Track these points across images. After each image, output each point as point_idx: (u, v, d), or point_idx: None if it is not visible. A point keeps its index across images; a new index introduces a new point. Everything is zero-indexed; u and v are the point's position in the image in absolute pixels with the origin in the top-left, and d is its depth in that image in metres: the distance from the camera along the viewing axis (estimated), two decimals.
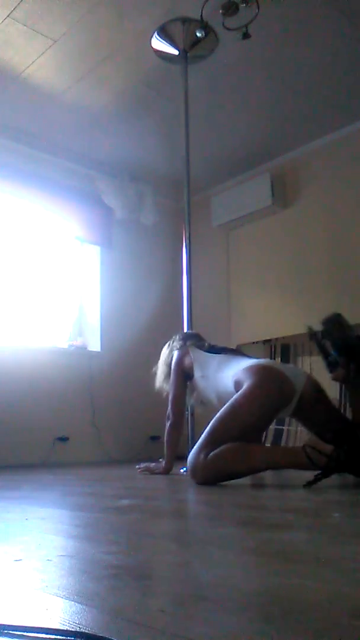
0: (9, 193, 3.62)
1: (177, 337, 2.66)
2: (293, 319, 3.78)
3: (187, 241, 2.98)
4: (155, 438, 4.08)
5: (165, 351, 2.66)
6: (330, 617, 0.51)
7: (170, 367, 2.52)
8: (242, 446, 1.88)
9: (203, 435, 1.95)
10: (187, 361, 2.43)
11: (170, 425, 2.49)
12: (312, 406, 2.11)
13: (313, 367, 3.40)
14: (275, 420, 3.24)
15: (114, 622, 0.50)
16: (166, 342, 2.70)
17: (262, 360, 2.23)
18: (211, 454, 1.88)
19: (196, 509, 1.42)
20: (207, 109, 3.41)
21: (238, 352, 2.51)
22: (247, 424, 1.93)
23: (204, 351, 2.40)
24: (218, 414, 1.99)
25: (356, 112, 3.51)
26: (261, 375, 2.01)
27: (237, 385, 2.06)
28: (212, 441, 1.91)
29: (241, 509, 1.35)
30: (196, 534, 1.01)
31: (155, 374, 2.65)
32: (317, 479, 1.68)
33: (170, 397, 2.49)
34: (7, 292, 3.71)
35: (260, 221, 4.08)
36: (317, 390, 2.13)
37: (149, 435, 4.06)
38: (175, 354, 2.50)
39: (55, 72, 3.06)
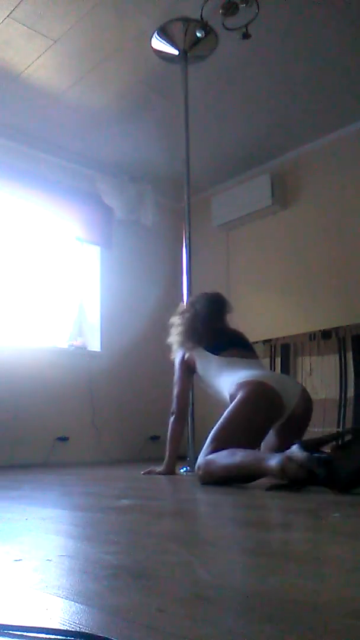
0: (9, 193, 3.62)
1: (189, 312, 2.51)
2: (293, 319, 3.78)
3: (187, 241, 2.98)
4: (155, 438, 4.08)
5: (176, 321, 2.53)
6: (330, 617, 0.51)
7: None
8: (232, 451, 1.90)
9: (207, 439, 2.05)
10: (190, 358, 2.42)
11: (174, 419, 2.48)
12: (297, 423, 2.18)
13: (313, 367, 3.40)
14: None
15: (114, 622, 0.50)
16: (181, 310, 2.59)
17: (258, 373, 2.17)
18: (208, 457, 1.94)
19: (196, 509, 1.42)
20: (207, 109, 3.41)
21: (244, 348, 2.41)
22: (243, 433, 2.00)
23: (208, 349, 2.34)
24: (219, 421, 2.09)
25: (356, 112, 3.51)
26: (252, 392, 2.06)
27: (231, 398, 2.13)
28: (213, 446, 1.99)
29: (241, 509, 1.35)
30: (196, 533, 1.01)
31: (171, 345, 2.56)
32: (281, 486, 1.66)
33: (174, 392, 2.48)
34: (7, 292, 3.71)
35: (260, 221, 4.08)
36: (307, 408, 2.21)
37: (149, 435, 4.06)
38: (179, 352, 2.48)
39: (55, 72, 3.06)
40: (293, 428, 2.18)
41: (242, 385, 2.09)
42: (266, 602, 0.56)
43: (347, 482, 1.55)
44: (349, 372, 3.22)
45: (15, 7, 2.58)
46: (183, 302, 2.83)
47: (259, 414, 2.04)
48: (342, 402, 3.16)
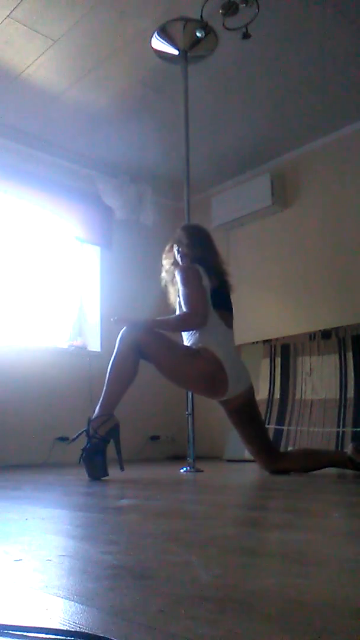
0: (9, 193, 3.62)
1: (184, 239, 2.44)
2: (293, 319, 3.78)
3: None
4: (155, 438, 4.08)
5: (167, 255, 2.53)
6: (330, 617, 0.51)
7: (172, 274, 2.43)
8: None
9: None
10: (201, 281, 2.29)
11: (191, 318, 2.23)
12: (239, 415, 2.31)
13: (313, 367, 3.40)
14: (276, 420, 3.29)
15: (114, 622, 0.50)
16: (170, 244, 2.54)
17: (224, 353, 2.21)
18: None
19: (196, 509, 1.42)
20: (207, 109, 3.41)
21: (230, 313, 2.39)
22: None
23: (211, 294, 2.29)
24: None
25: (356, 112, 3.51)
26: (207, 367, 2.20)
27: (189, 346, 2.29)
28: None
29: (241, 509, 1.35)
30: (196, 534, 1.01)
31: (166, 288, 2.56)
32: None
33: (195, 299, 2.23)
34: (7, 292, 3.71)
35: (260, 221, 4.08)
36: (249, 404, 2.32)
37: (149, 435, 4.06)
38: (184, 266, 2.36)
39: (55, 72, 3.06)
40: (239, 419, 2.34)
41: (205, 353, 2.20)
42: (266, 602, 0.56)
43: None
44: (349, 372, 3.22)
45: (15, 7, 2.58)
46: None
47: (196, 384, 2.28)
48: (342, 402, 3.16)
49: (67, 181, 3.93)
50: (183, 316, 2.25)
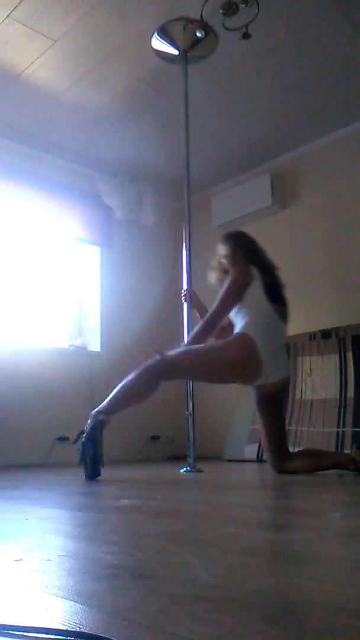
0: (9, 193, 3.62)
1: (238, 242, 2.55)
2: (293, 319, 3.77)
3: (187, 241, 2.98)
4: (155, 438, 4.08)
5: (221, 251, 2.60)
6: (330, 617, 0.51)
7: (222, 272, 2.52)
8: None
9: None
10: (249, 276, 2.38)
11: (208, 328, 2.37)
12: (269, 403, 2.39)
13: (313, 367, 3.40)
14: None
15: (114, 622, 0.50)
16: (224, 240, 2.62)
17: (268, 351, 2.29)
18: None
19: (196, 509, 1.42)
20: (207, 109, 3.41)
21: (283, 308, 2.47)
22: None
23: (264, 287, 2.38)
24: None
25: (356, 112, 3.51)
26: (233, 345, 2.28)
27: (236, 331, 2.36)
28: None
29: (241, 509, 1.35)
30: (196, 534, 1.01)
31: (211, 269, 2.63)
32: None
33: (220, 308, 2.36)
34: (7, 292, 3.71)
35: (260, 221, 4.08)
36: (281, 393, 2.42)
37: (149, 435, 4.06)
38: (235, 271, 2.42)
39: (55, 72, 3.06)
40: (266, 407, 2.42)
41: (240, 337, 2.29)
42: (266, 602, 0.56)
43: None
44: (349, 372, 3.22)
45: (15, 7, 2.58)
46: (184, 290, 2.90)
47: (232, 373, 2.32)
48: (342, 402, 3.16)
49: (67, 181, 3.93)
50: (205, 320, 2.38)
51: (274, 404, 2.41)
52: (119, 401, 2.24)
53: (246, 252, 2.50)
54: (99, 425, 2.21)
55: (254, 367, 2.27)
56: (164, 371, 2.24)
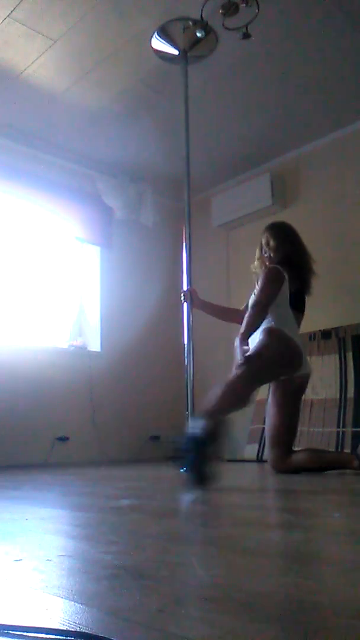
0: (9, 193, 3.62)
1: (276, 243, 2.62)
2: None
3: (187, 241, 2.98)
4: (155, 438, 4.08)
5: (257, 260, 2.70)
6: (330, 617, 0.51)
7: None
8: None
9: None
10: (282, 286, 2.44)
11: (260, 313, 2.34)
12: (296, 395, 2.46)
13: (313, 367, 3.40)
14: None
15: (114, 622, 0.50)
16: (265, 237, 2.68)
17: (287, 330, 2.39)
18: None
19: (196, 509, 1.42)
20: (207, 108, 3.40)
21: (301, 314, 2.62)
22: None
23: (290, 293, 2.47)
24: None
25: (357, 112, 3.51)
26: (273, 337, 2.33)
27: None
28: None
29: (241, 509, 1.35)
30: (196, 534, 1.01)
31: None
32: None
33: (264, 302, 2.36)
34: (7, 292, 3.71)
35: (260, 221, 4.07)
36: (304, 388, 2.51)
37: (149, 435, 4.06)
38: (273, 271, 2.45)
39: (55, 72, 3.06)
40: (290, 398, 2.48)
41: (275, 330, 2.34)
42: (266, 602, 0.56)
43: None
44: (349, 372, 3.22)
45: (15, 7, 2.58)
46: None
47: (281, 364, 2.38)
48: (342, 402, 3.16)
49: (67, 181, 3.93)
50: (250, 312, 2.37)
51: (298, 399, 2.48)
52: (226, 403, 2.08)
53: (281, 250, 2.58)
54: (223, 424, 1.98)
55: (297, 355, 2.35)
56: (262, 380, 2.37)
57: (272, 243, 2.61)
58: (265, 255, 2.64)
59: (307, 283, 2.64)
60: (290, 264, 2.54)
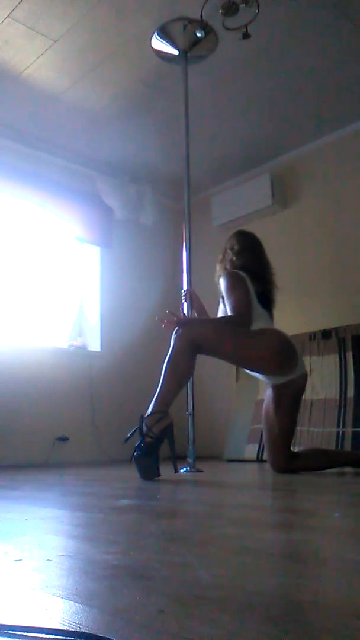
0: (9, 193, 3.62)
1: (235, 250, 2.58)
2: (293, 319, 3.78)
3: (187, 241, 2.98)
4: None
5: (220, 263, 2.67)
6: (330, 617, 0.51)
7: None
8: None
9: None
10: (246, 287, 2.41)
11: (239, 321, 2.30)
12: (295, 399, 2.41)
13: (312, 367, 3.40)
14: None
15: (114, 622, 0.50)
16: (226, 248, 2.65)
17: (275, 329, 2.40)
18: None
19: (196, 509, 1.42)
20: (207, 109, 3.41)
21: (271, 316, 2.58)
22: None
23: (256, 295, 2.44)
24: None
25: (356, 112, 3.51)
26: (268, 336, 2.33)
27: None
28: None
29: (241, 509, 1.35)
30: (196, 534, 1.01)
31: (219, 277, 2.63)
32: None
33: (242, 305, 2.33)
34: (7, 292, 3.71)
35: (260, 221, 4.08)
36: (303, 390, 2.45)
37: None
38: (227, 275, 2.43)
39: (55, 72, 3.06)
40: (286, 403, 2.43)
41: (268, 331, 2.35)
42: (266, 602, 0.55)
43: None
44: (349, 372, 3.22)
45: (15, 7, 2.58)
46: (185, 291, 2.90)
47: (271, 360, 2.31)
48: (342, 402, 3.16)
49: (67, 181, 3.93)
50: (228, 318, 2.32)
51: (297, 403, 2.44)
52: (172, 387, 2.10)
53: (242, 258, 2.54)
54: (170, 428, 2.07)
55: (293, 356, 2.31)
56: (202, 348, 2.16)
57: (236, 247, 2.58)
58: (227, 259, 2.60)
59: (269, 288, 2.59)
60: (252, 273, 2.49)
